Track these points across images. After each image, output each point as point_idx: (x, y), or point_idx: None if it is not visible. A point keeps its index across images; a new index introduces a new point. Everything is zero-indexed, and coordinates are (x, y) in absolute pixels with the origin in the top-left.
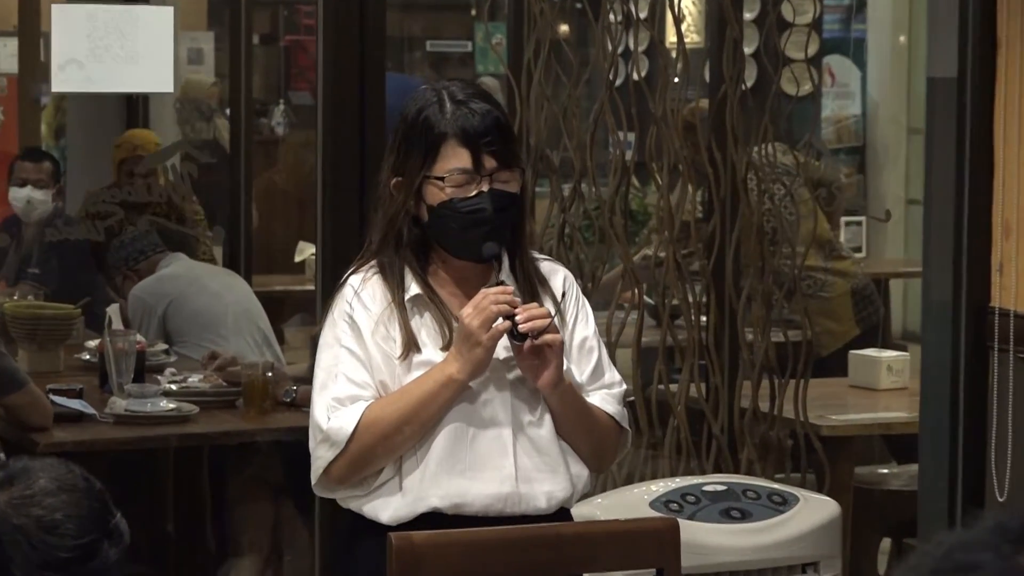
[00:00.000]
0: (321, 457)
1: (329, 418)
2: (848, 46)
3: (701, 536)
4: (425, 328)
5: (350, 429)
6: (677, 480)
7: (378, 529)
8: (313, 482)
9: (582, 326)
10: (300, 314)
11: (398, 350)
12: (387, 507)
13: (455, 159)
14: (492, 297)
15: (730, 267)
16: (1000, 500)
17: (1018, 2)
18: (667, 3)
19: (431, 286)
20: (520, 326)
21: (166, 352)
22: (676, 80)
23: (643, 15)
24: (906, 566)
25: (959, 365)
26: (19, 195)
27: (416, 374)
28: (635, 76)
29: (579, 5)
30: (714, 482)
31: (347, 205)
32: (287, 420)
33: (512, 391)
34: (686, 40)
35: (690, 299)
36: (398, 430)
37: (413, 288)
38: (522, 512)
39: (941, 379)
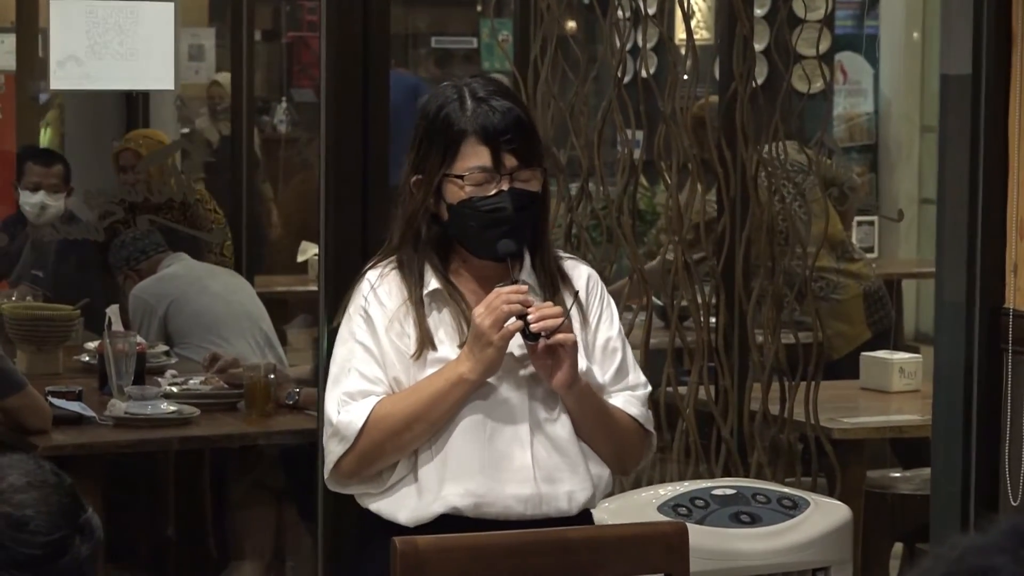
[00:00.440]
0: (331, 452)
1: (339, 412)
2: (860, 43)
3: (710, 541)
4: (443, 325)
5: (359, 424)
6: (686, 484)
7: (393, 530)
8: (325, 476)
9: (606, 326)
10: (303, 315)
11: (412, 347)
12: (404, 507)
13: (475, 157)
14: (504, 296)
15: (740, 268)
16: (1014, 504)
17: None
18: None
19: (452, 283)
20: (532, 326)
21: (167, 354)
22: (685, 77)
23: (652, 11)
24: (919, 570)
25: (972, 367)
26: (32, 200)
27: (430, 371)
28: (644, 73)
29: (587, 1)
30: (723, 486)
31: (350, 204)
32: (289, 423)
33: (529, 389)
34: (695, 37)
35: (699, 300)
36: (407, 427)
37: (432, 283)
38: (544, 514)
39: (954, 381)
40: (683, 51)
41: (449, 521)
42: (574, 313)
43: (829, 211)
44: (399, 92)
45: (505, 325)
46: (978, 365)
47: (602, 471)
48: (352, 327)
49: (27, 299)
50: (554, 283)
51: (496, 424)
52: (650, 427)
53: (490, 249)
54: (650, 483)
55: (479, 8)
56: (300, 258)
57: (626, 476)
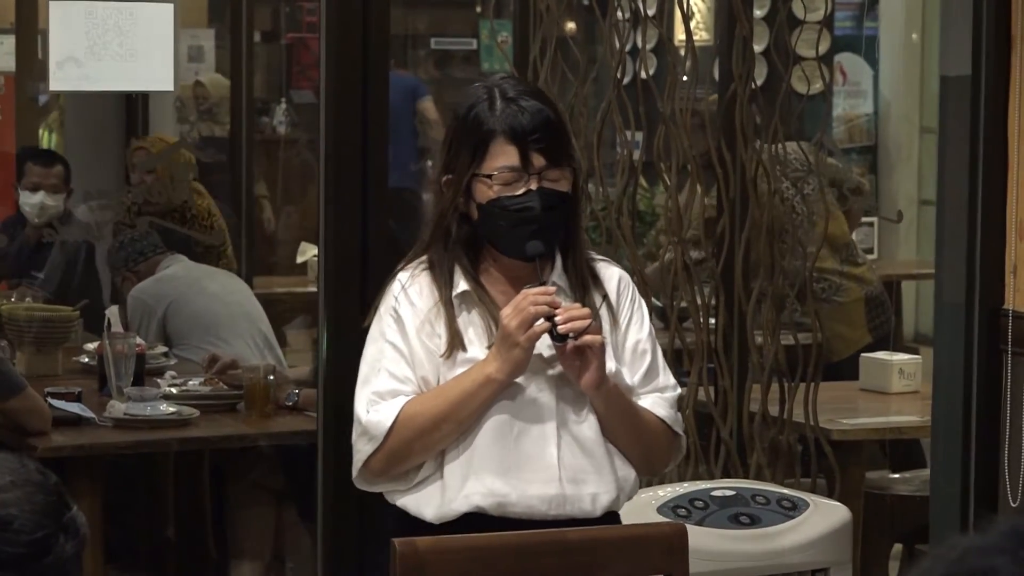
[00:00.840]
0: (360, 450)
1: (368, 411)
2: (860, 44)
3: (710, 542)
4: (472, 326)
5: (388, 423)
6: (685, 485)
7: (419, 526)
8: (353, 475)
9: (636, 328)
10: (302, 316)
11: (442, 347)
12: (430, 504)
13: (503, 157)
14: (532, 298)
15: (739, 268)
16: (1013, 505)
17: None
18: (676, 0)
19: (481, 284)
20: (560, 327)
21: (166, 355)
22: (685, 78)
23: (651, 12)
24: (919, 570)
25: (972, 368)
26: (32, 200)
27: (459, 372)
28: (643, 74)
29: (586, 2)
30: (723, 487)
31: (349, 205)
32: (289, 424)
33: (557, 390)
34: (695, 38)
35: (699, 301)
36: (436, 427)
37: (461, 285)
38: (568, 515)
39: (953, 382)
40: (682, 52)
41: (473, 519)
42: (604, 314)
43: (834, 213)
44: (398, 93)
45: (533, 326)
46: (977, 366)
47: (628, 473)
48: (382, 327)
49: (26, 300)
50: (585, 284)
51: (523, 424)
52: (679, 429)
53: (519, 249)
54: (649, 484)
55: (478, 9)
56: (299, 259)
57: (653, 477)
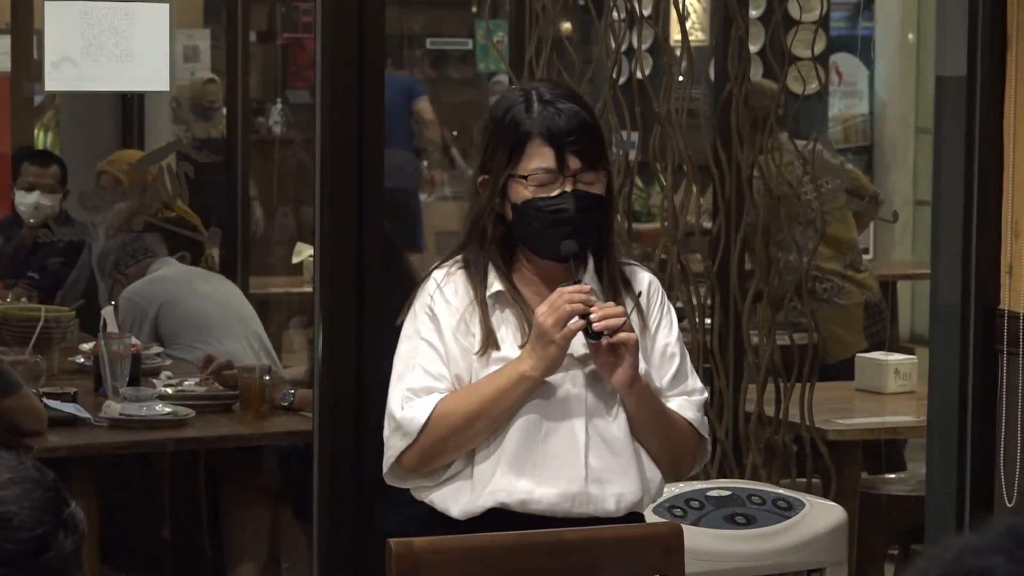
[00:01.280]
0: (393, 446)
1: (403, 408)
2: (855, 44)
3: (705, 542)
4: (506, 325)
5: (422, 420)
6: (681, 485)
7: (445, 521)
8: (384, 471)
9: (665, 332)
10: (297, 316)
11: (476, 345)
12: (457, 500)
13: (539, 158)
14: (567, 296)
15: (735, 269)
16: (1009, 505)
17: None
18: (671, 0)
19: (515, 283)
20: (594, 325)
21: (160, 355)
22: (680, 79)
23: (647, 12)
24: (915, 570)
25: (967, 368)
26: (27, 200)
27: (492, 370)
28: (639, 74)
29: (581, 2)
30: (718, 487)
31: (345, 206)
32: (284, 424)
33: (588, 389)
34: (691, 38)
35: (694, 301)
36: (469, 424)
37: (495, 285)
38: (590, 513)
39: (949, 383)
40: (678, 52)
41: (497, 515)
42: (634, 318)
43: (845, 216)
44: (394, 93)
45: (568, 324)
46: (973, 366)
47: (655, 475)
48: (417, 324)
49: (22, 300)
50: (616, 288)
51: (552, 423)
52: (705, 432)
53: (553, 249)
54: None
55: (474, 9)
56: (295, 259)
57: (679, 480)
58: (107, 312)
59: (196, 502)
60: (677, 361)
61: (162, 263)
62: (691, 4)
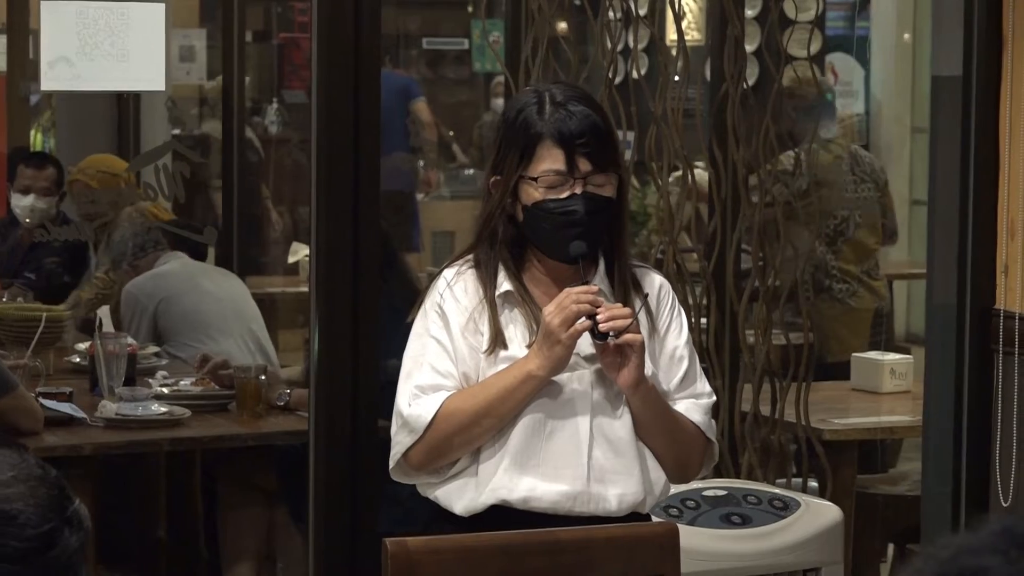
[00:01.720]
0: (400, 443)
1: (410, 404)
2: (851, 44)
3: (701, 542)
4: (514, 324)
5: (429, 417)
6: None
7: (449, 518)
8: (391, 466)
9: (674, 335)
10: (293, 316)
11: (485, 344)
12: (461, 497)
13: (549, 160)
14: (574, 296)
15: (731, 268)
16: (1004, 505)
17: None
18: (667, 0)
19: (524, 284)
20: (601, 325)
21: (157, 355)
22: (676, 78)
23: (643, 12)
24: (911, 569)
25: (963, 368)
26: (22, 203)
27: (499, 369)
28: (635, 74)
29: (578, 2)
30: (714, 487)
31: (341, 205)
32: (280, 424)
33: (594, 389)
34: (686, 38)
35: (690, 301)
36: (476, 422)
37: (505, 285)
38: (592, 512)
39: (945, 382)
40: (674, 52)
41: (499, 513)
42: (642, 320)
43: (875, 224)
44: (390, 92)
45: (575, 324)
46: (969, 366)
47: (659, 476)
48: (427, 323)
49: (18, 300)
50: (626, 290)
51: (556, 421)
52: (712, 436)
53: (562, 251)
54: None
55: (470, 9)
56: (291, 259)
57: (686, 483)
58: (103, 312)
59: (192, 502)
60: (686, 364)
61: (171, 256)
62: (687, 4)
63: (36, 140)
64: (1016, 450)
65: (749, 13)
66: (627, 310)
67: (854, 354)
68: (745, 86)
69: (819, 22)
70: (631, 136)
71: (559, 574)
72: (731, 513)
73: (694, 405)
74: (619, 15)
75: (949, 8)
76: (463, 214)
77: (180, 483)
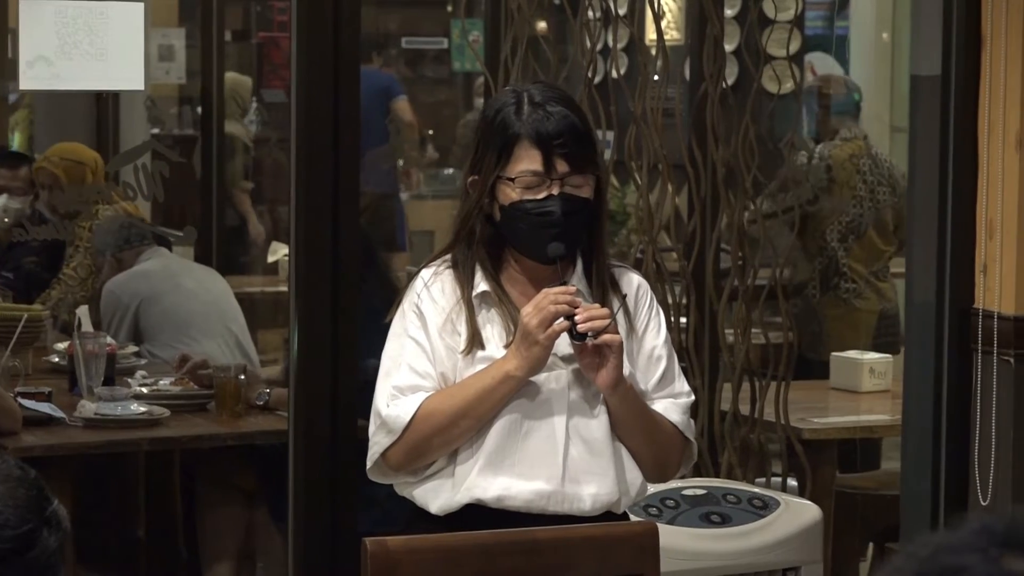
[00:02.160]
0: (378, 443)
1: (388, 405)
2: (831, 43)
3: (680, 541)
4: (491, 324)
5: (407, 418)
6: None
7: (424, 517)
8: (368, 466)
9: (652, 335)
10: (273, 316)
11: (462, 345)
12: (437, 497)
13: (527, 160)
14: (552, 297)
15: (711, 267)
16: (983, 504)
17: None
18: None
19: (501, 284)
20: (579, 326)
21: (137, 354)
22: (656, 78)
23: (622, 12)
24: (891, 568)
25: (942, 367)
26: None
27: (477, 369)
28: (614, 74)
29: (557, 1)
30: (694, 486)
31: (321, 205)
32: (260, 423)
33: (571, 389)
34: (666, 37)
35: (670, 300)
36: (454, 423)
37: (482, 285)
38: (565, 511)
39: (924, 381)
40: (653, 51)
41: (474, 511)
42: (620, 320)
43: (887, 226)
44: (371, 91)
45: (552, 324)
46: (948, 365)
47: (635, 476)
48: (405, 323)
49: None
50: (604, 290)
51: (533, 421)
52: (690, 435)
53: (539, 251)
54: None
55: (450, 8)
56: (270, 259)
57: (664, 483)
58: (82, 311)
59: (171, 502)
60: (664, 364)
61: (153, 253)
62: (666, 3)
63: (17, 140)
64: (995, 449)
65: (728, 13)
66: (605, 310)
67: (833, 353)
68: (724, 85)
69: (798, 21)
70: (611, 136)
71: (538, 573)
72: (711, 512)
73: (672, 405)
74: (599, 15)
75: (928, 7)
76: (442, 213)
77: (159, 483)
